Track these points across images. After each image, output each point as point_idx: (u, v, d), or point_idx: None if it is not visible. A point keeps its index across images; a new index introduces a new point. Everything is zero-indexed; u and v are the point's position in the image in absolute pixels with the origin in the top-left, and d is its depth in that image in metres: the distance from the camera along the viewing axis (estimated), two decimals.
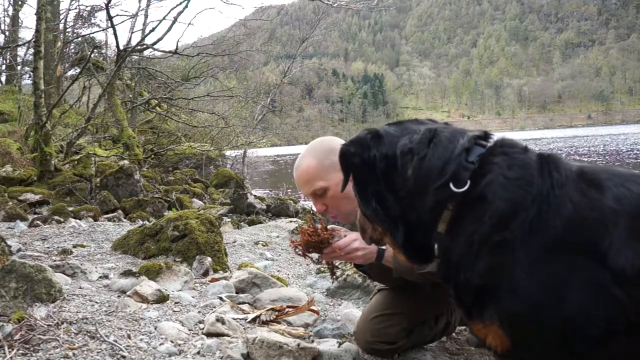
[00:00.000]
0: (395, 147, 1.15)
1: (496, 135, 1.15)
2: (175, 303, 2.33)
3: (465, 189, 1.04)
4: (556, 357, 0.99)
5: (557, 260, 0.96)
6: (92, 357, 1.62)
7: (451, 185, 1.05)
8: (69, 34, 16.39)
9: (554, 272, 0.95)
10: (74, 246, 3.56)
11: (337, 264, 1.91)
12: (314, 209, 1.85)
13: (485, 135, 1.15)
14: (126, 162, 7.95)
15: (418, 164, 1.10)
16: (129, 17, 13.95)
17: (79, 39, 16.24)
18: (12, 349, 1.58)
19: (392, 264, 1.70)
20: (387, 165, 1.15)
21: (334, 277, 1.87)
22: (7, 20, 17.28)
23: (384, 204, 1.16)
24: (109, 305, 2.15)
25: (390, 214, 1.15)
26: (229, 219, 6.18)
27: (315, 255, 1.74)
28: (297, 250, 1.73)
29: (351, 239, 1.69)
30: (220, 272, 3.11)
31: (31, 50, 12.00)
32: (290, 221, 6.04)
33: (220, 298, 2.49)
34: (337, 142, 1.82)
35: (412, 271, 1.69)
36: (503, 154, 1.07)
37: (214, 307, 2.31)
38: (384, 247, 1.68)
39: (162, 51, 13.22)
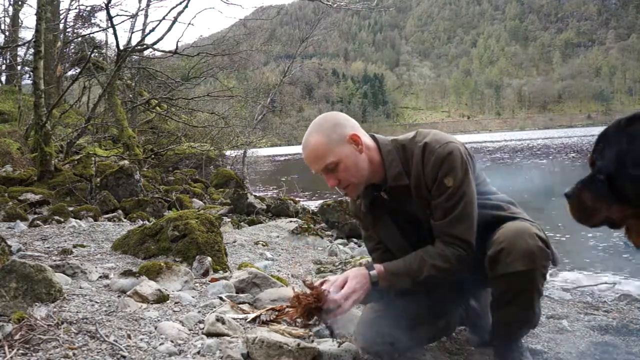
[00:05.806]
0: None
1: None
2: (175, 303, 2.33)
3: None
4: None
5: None
6: (92, 357, 1.62)
7: None
8: (69, 34, 16.43)
9: None
10: (74, 246, 3.56)
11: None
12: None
13: None
14: (126, 162, 7.95)
15: None
16: (129, 17, 14.00)
17: (79, 39, 16.26)
18: (12, 349, 1.57)
19: (386, 282, 1.73)
20: None
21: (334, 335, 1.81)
22: (7, 20, 17.30)
23: None
24: (109, 305, 2.15)
25: None
26: (229, 219, 6.17)
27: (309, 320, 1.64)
28: (296, 323, 1.62)
29: (351, 289, 1.67)
30: (220, 272, 3.10)
31: (31, 50, 12.01)
32: (290, 221, 6.03)
33: (220, 298, 2.48)
34: (341, 117, 1.78)
35: (414, 280, 1.72)
36: None
37: (214, 307, 2.31)
38: (375, 272, 1.71)
39: (162, 51, 13.26)
